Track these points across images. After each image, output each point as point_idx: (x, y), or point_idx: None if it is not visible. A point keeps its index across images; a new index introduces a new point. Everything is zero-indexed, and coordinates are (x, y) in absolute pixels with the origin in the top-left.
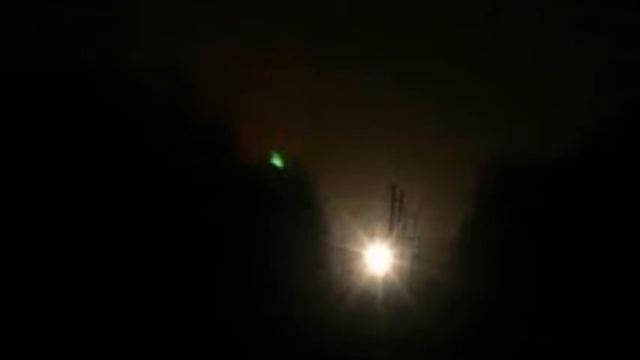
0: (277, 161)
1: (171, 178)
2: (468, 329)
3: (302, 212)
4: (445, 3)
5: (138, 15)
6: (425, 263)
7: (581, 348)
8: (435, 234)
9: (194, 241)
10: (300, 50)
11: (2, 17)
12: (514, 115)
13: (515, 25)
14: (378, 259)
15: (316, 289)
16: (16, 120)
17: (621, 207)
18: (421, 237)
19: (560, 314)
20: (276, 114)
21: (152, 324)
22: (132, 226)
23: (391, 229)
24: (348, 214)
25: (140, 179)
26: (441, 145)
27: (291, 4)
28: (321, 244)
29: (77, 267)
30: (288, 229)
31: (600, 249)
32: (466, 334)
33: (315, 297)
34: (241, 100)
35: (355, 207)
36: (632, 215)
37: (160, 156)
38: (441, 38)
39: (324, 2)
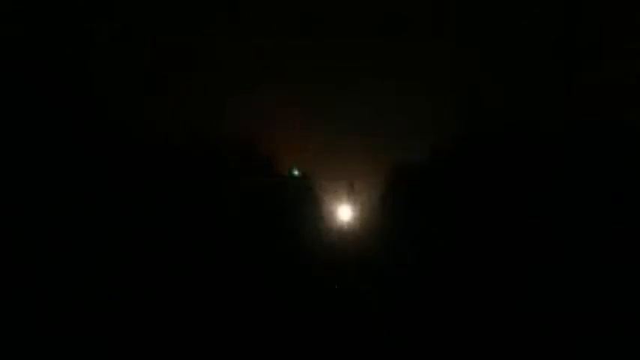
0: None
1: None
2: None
3: None
4: None
5: None
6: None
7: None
8: None
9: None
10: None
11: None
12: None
13: None
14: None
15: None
16: (16, 120)
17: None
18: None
19: None
20: (276, 114)
21: (151, 323)
22: (131, 226)
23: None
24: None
25: (140, 179)
26: None
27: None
28: None
29: (76, 267)
30: None
31: None
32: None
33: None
34: None
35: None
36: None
37: (159, 156)
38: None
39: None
